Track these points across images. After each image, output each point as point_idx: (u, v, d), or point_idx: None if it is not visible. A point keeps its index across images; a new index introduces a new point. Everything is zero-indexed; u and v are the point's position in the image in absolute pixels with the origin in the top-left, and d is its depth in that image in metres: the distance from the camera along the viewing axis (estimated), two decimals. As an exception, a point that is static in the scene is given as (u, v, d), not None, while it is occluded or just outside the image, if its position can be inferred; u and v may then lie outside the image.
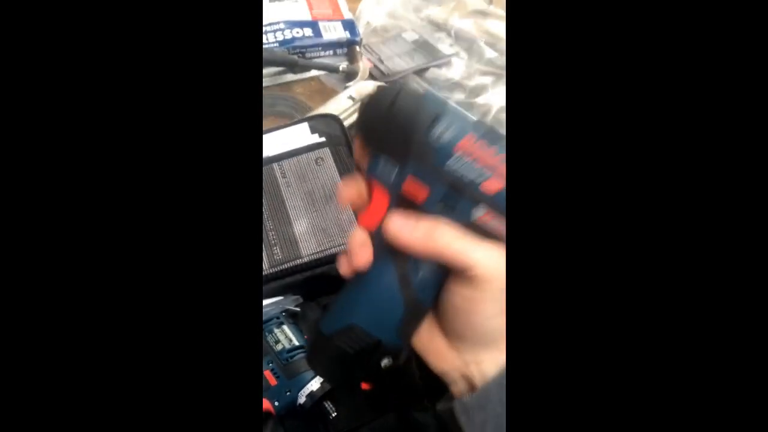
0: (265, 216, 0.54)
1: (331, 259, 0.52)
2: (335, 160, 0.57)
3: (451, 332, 0.27)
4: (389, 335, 0.26)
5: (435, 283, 0.26)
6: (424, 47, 0.80)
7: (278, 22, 0.76)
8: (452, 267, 0.25)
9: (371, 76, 0.74)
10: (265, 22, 0.76)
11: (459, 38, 0.82)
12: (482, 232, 0.24)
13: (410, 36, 0.82)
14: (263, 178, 0.56)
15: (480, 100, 0.72)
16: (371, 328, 0.26)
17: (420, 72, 0.76)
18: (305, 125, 0.61)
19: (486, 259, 0.24)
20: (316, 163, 0.57)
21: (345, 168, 0.57)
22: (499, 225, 0.24)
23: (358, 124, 0.26)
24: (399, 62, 0.77)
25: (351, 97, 0.67)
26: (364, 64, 0.74)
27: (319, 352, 0.28)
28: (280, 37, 0.75)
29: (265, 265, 0.52)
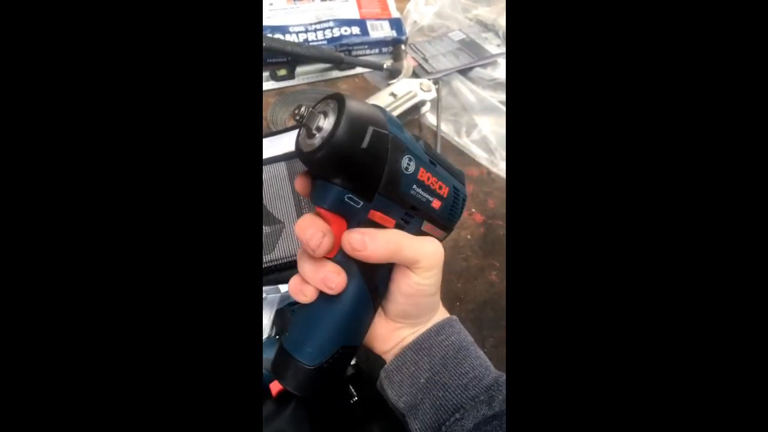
0: (272, 212, 0.56)
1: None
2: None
3: (397, 315, 0.32)
4: (359, 340, 0.31)
5: (388, 282, 0.30)
6: (470, 47, 0.80)
7: (328, 20, 0.78)
8: (403, 263, 0.29)
9: (415, 75, 0.75)
10: (314, 20, 0.79)
11: (506, 38, 0.81)
12: (427, 235, 0.30)
13: (457, 35, 0.82)
14: (273, 174, 0.58)
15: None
16: (353, 341, 0.30)
17: (464, 71, 0.77)
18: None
19: (429, 252, 0.29)
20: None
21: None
22: (436, 231, 0.31)
23: (325, 161, 0.24)
24: (443, 61, 0.77)
25: (393, 94, 0.69)
26: (408, 63, 0.75)
27: (293, 373, 0.29)
28: (329, 34, 0.77)
29: (270, 257, 0.53)
